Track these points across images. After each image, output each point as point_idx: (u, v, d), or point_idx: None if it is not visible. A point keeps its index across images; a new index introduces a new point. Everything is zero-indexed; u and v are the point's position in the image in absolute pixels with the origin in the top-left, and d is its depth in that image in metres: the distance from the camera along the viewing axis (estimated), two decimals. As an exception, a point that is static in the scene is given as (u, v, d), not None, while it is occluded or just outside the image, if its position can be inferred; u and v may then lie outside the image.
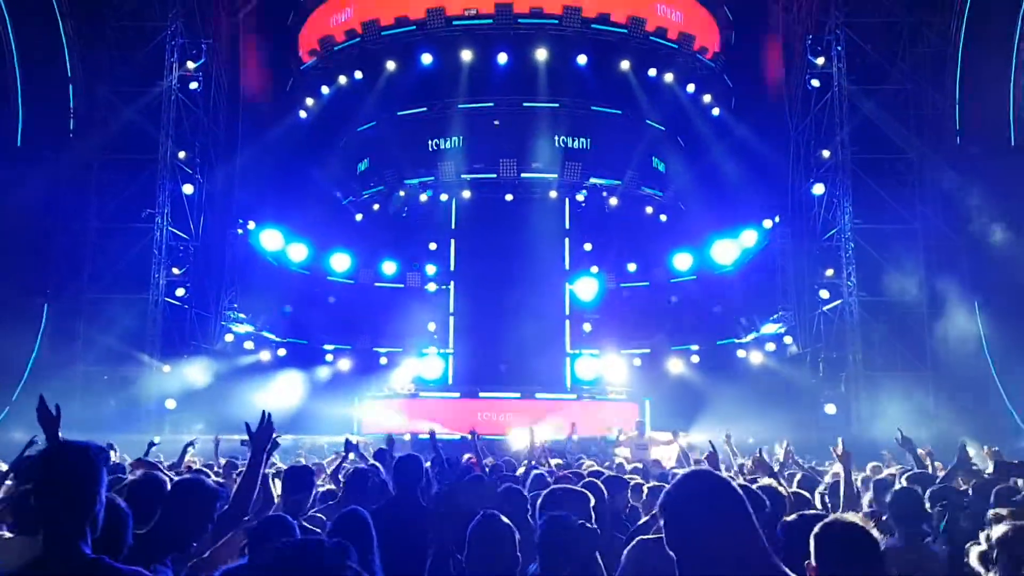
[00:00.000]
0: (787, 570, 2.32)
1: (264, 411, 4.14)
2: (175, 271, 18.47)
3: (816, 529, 2.70)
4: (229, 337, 19.66)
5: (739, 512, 2.34)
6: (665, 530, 2.41)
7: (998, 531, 3.25)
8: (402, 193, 21.57)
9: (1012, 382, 15.81)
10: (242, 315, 19.93)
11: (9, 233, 16.52)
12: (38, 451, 2.77)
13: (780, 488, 4.81)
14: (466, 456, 8.92)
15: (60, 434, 3.77)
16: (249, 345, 19.84)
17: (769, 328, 19.79)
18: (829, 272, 18.15)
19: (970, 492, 5.53)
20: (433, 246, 21.84)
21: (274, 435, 4.22)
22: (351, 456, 8.06)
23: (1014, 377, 15.72)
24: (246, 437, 4.22)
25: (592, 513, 4.04)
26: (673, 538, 2.38)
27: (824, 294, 18.30)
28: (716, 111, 22.04)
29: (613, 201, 21.47)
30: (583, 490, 4.30)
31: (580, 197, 21.49)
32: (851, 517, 2.90)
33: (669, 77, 21.11)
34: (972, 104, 17.68)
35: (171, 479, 4.84)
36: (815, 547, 2.65)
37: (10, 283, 17.31)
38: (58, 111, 18.27)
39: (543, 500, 3.94)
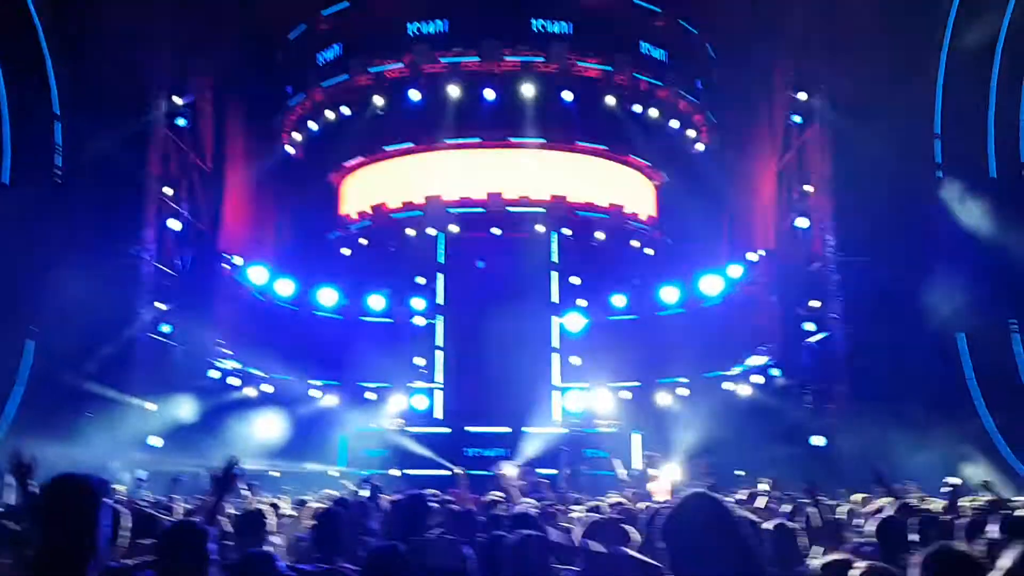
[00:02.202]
0: None
1: (231, 457, 4.14)
2: (160, 306, 18.38)
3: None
4: (215, 373, 19.51)
5: (736, 533, 2.40)
6: (666, 554, 2.48)
7: None
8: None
9: (1000, 414, 15.95)
10: (228, 351, 19.80)
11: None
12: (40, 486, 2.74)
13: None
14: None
15: (32, 483, 3.77)
16: (235, 381, 19.68)
17: (756, 360, 19.85)
18: (815, 303, 18.29)
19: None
20: (421, 280, 21.82)
21: (237, 479, 4.26)
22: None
23: (1002, 409, 15.87)
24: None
25: None
26: (673, 561, 2.45)
27: (809, 326, 18.43)
28: (700, 146, 22.34)
29: (600, 235, 21.60)
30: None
31: (567, 231, 21.59)
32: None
33: (654, 113, 21.39)
34: (952, 138, 17.99)
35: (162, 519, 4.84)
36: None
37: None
38: (44, 149, 18.25)
39: None
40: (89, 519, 2.56)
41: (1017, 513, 5.47)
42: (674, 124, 21.91)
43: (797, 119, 19.44)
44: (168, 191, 18.95)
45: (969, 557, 2.90)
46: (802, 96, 18.92)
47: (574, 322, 21.41)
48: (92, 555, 2.55)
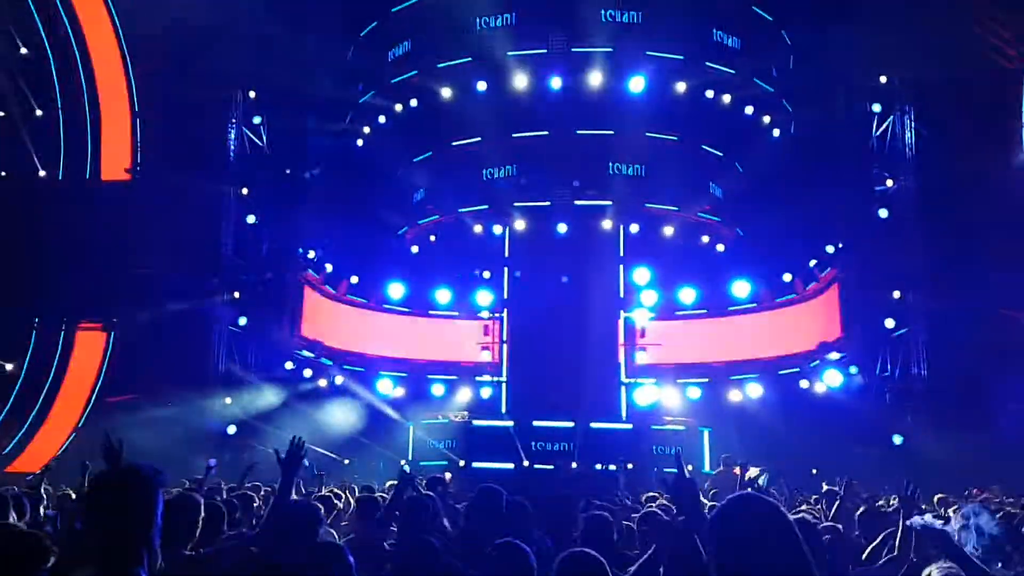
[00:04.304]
0: None
1: (294, 437, 4.17)
2: (235, 295, 19.01)
3: None
4: (289, 364, 20.01)
5: (787, 536, 2.29)
6: (711, 554, 2.41)
7: None
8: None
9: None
10: (303, 342, 20.32)
11: (76, 261, 17.19)
12: (93, 476, 2.76)
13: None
14: None
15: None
16: (308, 372, 20.12)
17: (833, 356, 19.21)
18: (896, 294, 17.60)
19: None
20: (487, 275, 21.82)
21: (303, 459, 4.29)
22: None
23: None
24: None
25: None
26: (720, 561, 2.38)
27: (889, 323, 17.73)
28: (776, 132, 21.67)
29: (668, 230, 21.18)
30: None
31: (634, 228, 21.22)
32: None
33: (726, 99, 20.86)
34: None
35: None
36: None
37: (77, 311, 17.95)
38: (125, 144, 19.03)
39: None
40: (143, 509, 2.55)
41: None
42: (748, 110, 21.32)
43: (876, 107, 18.72)
44: (244, 191, 19.61)
45: None
46: (883, 79, 18.18)
47: (642, 317, 21.10)
48: (146, 545, 2.55)
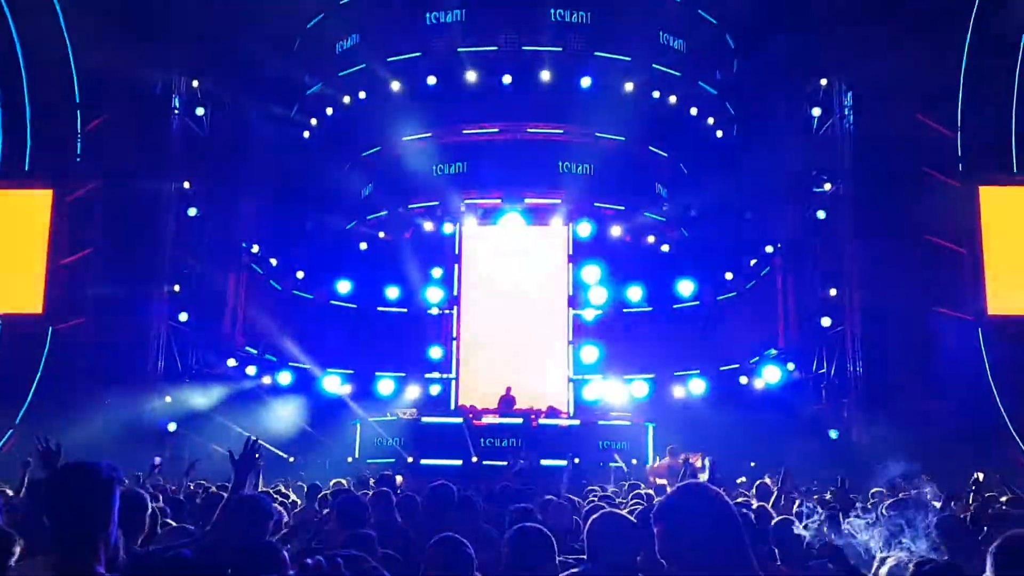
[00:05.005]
0: None
1: (248, 437, 4.17)
2: (175, 288, 18.56)
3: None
4: (232, 361, 19.65)
5: (731, 525, 2.42)
6: (658, 539, 2.51)
7: None
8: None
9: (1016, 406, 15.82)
10: (245, 339, 19.98)
11: (12, 254, 16.67)
12: (50, 472, 2.76)
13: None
14: None
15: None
16: (251, 370, 19.80)
17: (772, 353, 19.73)
18: (832, 292, 18.14)
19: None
20: (437, 272, 21.79)
21: (257, 460, 4.29)
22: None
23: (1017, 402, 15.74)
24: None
25: None
26: (665, 547, 2.48)
27: (826, 321, 18.25)
28: (720, 133, 22.17)
29: (616, 228, 21.48)
30: None
31: (585, 225, 21.44)
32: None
33: (672, 100, 21.26)
34: (972, 132, 17.77)
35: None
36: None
37: (13, 305, 17.40)
38: (66, 136, 18.45)
39: None
40: (101, 506, 2.56)
41: None
42: (693, 111, 21.77)
43: (816, 111, 19.26)
44: (186, 185, 19.11)
45: None
46: (823, 81, 18.72)
47: (589, 314, 21.35)
48: (105, 541, 2.56)
